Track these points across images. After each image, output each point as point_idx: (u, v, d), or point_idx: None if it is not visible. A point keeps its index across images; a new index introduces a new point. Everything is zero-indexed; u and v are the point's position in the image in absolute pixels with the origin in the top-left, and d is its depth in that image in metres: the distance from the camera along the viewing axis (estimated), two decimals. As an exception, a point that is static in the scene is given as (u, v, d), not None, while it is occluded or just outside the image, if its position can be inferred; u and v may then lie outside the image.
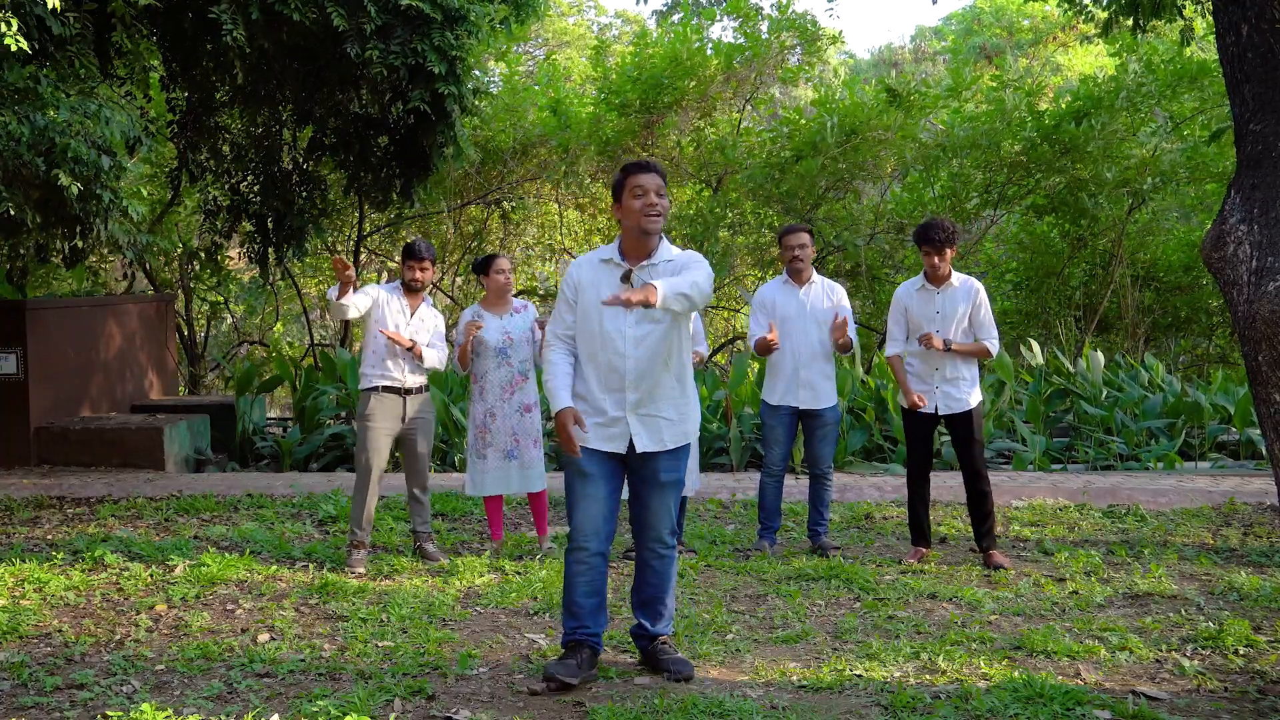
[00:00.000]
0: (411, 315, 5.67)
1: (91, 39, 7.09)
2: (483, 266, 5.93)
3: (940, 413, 5.54)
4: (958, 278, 5.54)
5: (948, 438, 8.64)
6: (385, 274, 16.10)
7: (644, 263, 3.82)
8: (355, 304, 5.48)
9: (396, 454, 5.87)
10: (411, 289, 5.70)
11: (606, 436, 3.85)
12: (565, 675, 3.74)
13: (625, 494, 4.09)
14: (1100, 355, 10.50)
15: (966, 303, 5.51)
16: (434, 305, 5.89)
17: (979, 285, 5.57)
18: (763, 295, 5.99)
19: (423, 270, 5.68)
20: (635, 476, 3.93)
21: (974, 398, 5.55)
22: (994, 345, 5.54)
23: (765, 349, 5.79)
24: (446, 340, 5.92)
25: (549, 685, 3.74)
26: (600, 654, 3.99)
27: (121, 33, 7.17)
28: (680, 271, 3.78)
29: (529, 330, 5.80)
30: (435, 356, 5.70)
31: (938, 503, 6.92)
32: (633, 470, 3.92)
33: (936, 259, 5.45)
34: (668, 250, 3.87)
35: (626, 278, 3.78)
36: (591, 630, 3.90)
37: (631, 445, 3.84)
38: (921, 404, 5.53)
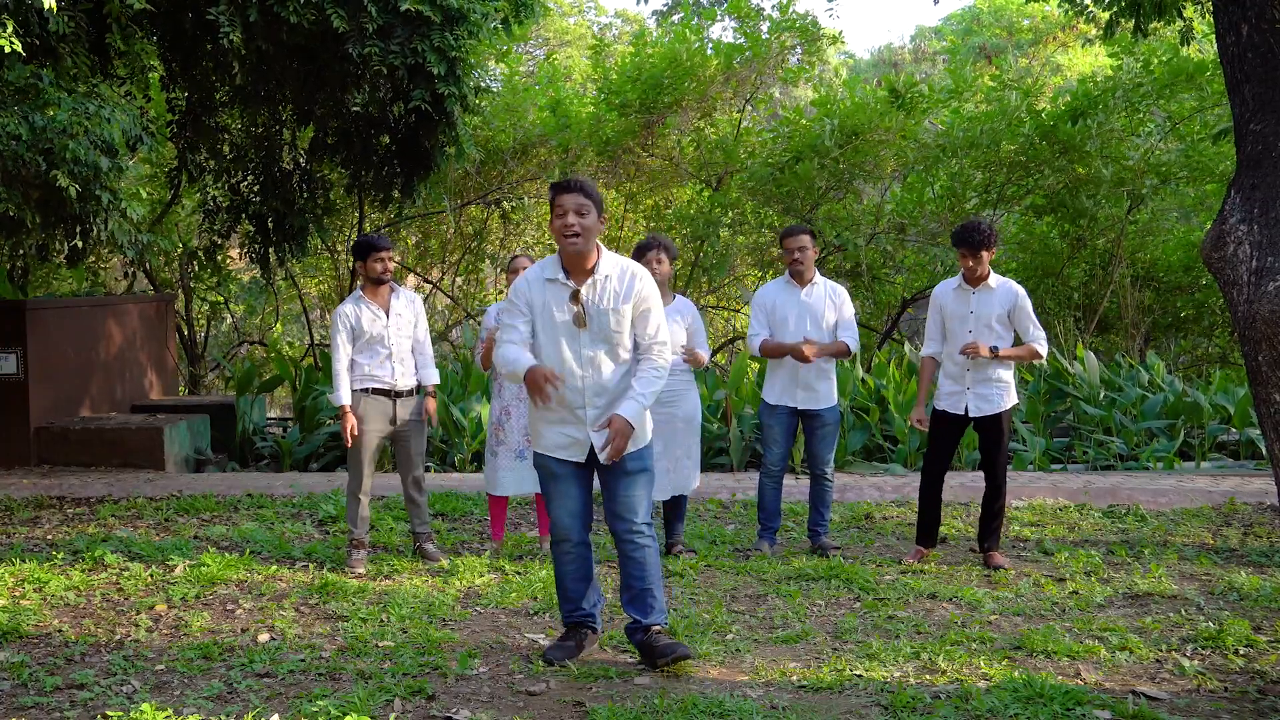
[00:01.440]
0: (388, 315, 5.58)
1: (86, 38, 7.09)
2: (506, 266, 5.96)
3: (970, 414, 5.51)
4: (995, 279, 5.50)
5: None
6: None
7: (588, 280, 3.92)
8: (344, 365, 5.52)
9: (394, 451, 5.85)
10: (380, 282, 5.57)
11: (568, 448, 3.98)
12: (562, 657, 4.00)
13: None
14: (1093, 355, 10.50)
15: (1004, 306, 5.45)
16: (406, 291, 5.78)
17: (1020, 289, 5.51)
18: (763, 296, 5.98)
19: (389, 260, 5.62)
20: (603, 472, 4.01)
21: (1007, 401, 5.50)
22: (1042, 347, 5.47)
23: (778, 352, 5.77)
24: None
25: (547, 665, 3.98)
26: (599, 631, 4.17)
27: (117, 33, 7.16)
28: (627, 295, 3.90)
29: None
30: (432, 374, 5.72)
31: (938, 503, 6.92)
32: (599, 467, 4.01)
33: (971, 261, 5.43)
34: (607, 262, 3.95)
35: (575, 298, 3.91)
36: (587, 611, 4.11)
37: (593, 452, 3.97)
38: (922, 426, 5.55)
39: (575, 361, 3.92)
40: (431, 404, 5.72)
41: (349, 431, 5.47)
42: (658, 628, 4.01)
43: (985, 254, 5.43)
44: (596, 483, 4.12)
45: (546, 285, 3.96)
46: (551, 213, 3.94)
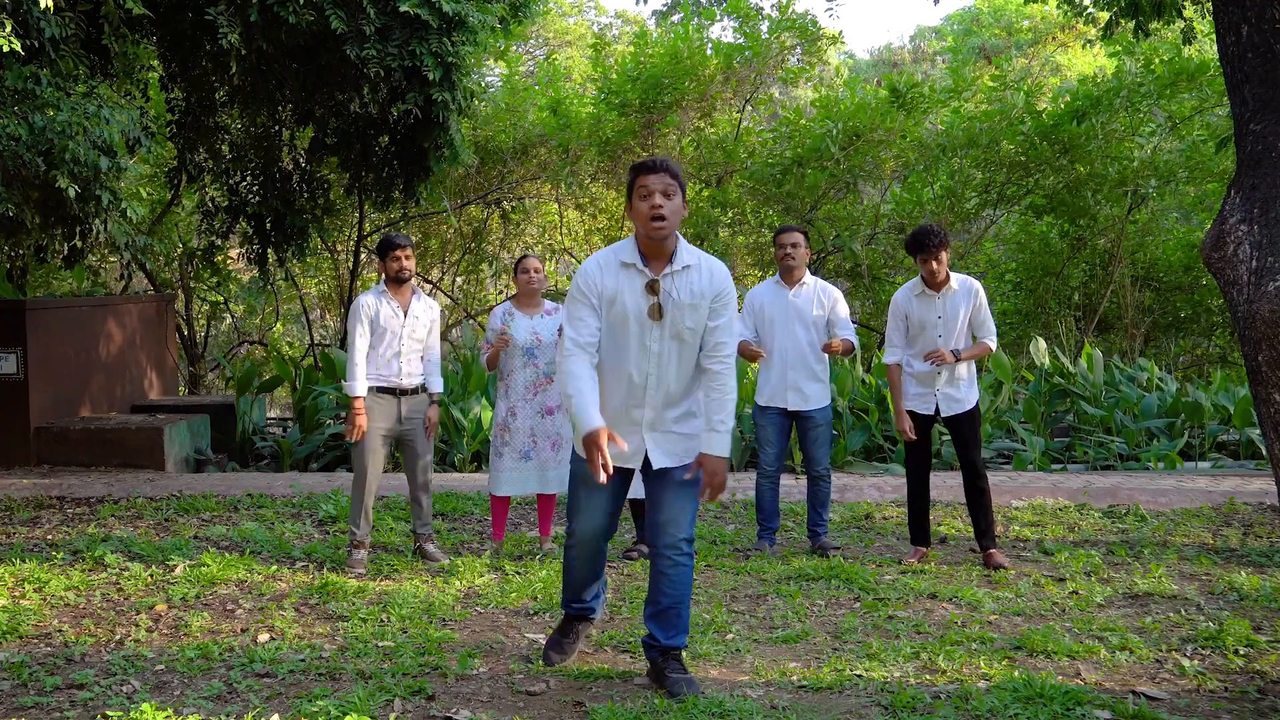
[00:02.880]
0: (405, 315, 5.60)
1: (82, 38, 7.08)
2: (515, 266, 5.96)
3: (942, 414, 5.54)
4: (956, 279, 5.52)
5: (945, 437, 8.66)
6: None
7: (667, 269, 3.65)
8: (362, 355, 5.52)
9: (397, 454, 5.84)
10: (400, 280, 5.61)
11: (621, 453, 3.70)
12: (559, 658, 3.98)
13: (638, 493, 4.08)
14: (1100, 354, 10.50)
15: (968, 304, 5.50)
16: (428, 297, 5.82)
17: (978, 285, 5.57)
18: (752, 297, 6.00)
19: (408, 259, 5.61)
20: (650, 480, 3.81)
21: (973, 397, 5.56)
22: (993, 342, 5.58)
23: (750, 356, 5.80)
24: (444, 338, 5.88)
25: (546, 665, 3.96)
26: (595, 620, 4.14)
27: (110, 34, 7.15)
28: (708, 292, 3.65)
29: (558, 333, 5.75)
30: (437, 382, 5.74)
31: (938, 503, 6.92)
32: (647, 474, 3.81)
33: (934, 264, 5.44)
34: (686, 252, 3.69)
35: (653, 288, 3.63)
36: (587, 604, 4.04)
37: (646, 458, 3.76)
38: (911, 437, 5.56)
39: (642, 356, 3.66)
40: (435, 412, 5.72)
41: (359, 425, 5.45)
42: (675, 653, 3.78)
43: (944, 254, 5.45)
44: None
45: (622, 270, 3.65)
46: (632, 195, 3.63)
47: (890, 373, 5.72)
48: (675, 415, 3.75)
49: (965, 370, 5.55)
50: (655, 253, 3.66)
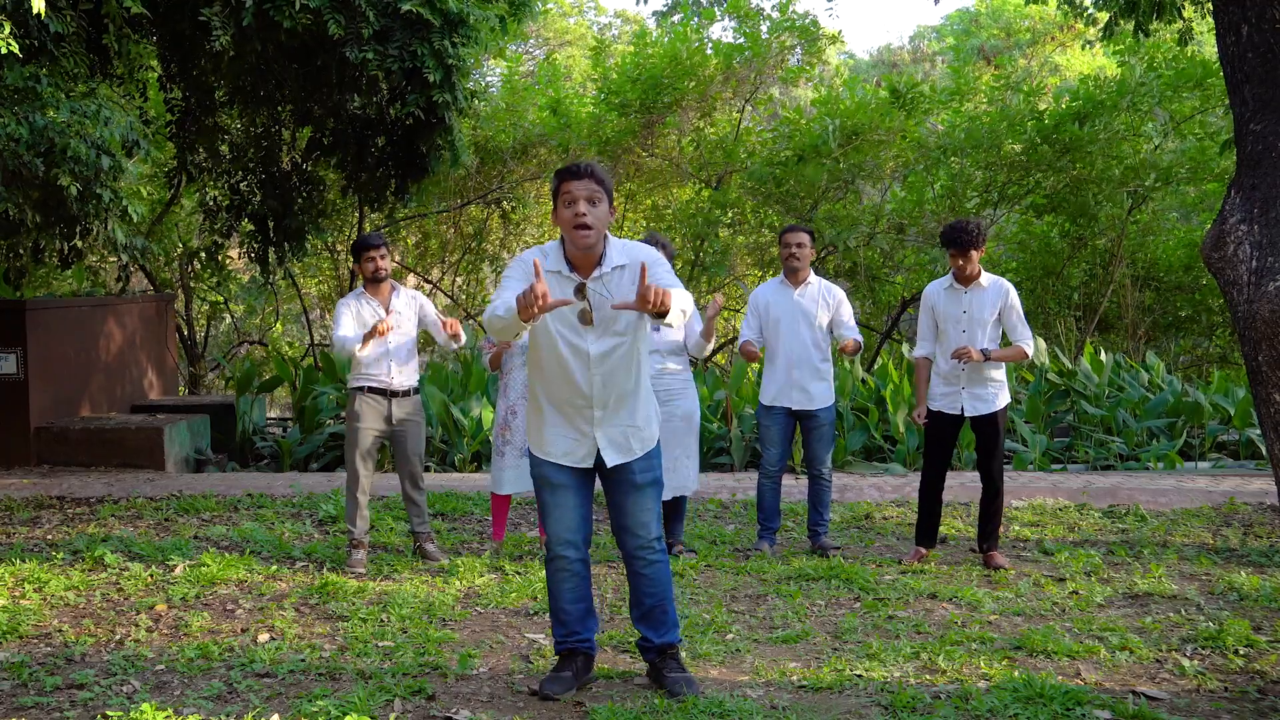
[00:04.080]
0: (387, 313, 5.56)
1: (84, 38, 7.08)
2: None
3: (966, 414, 5.51)
4: (987, 278, 5.49)
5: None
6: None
7: (596, 272, 3.55)
8: (351, 336, 5.50)
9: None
10: (377, 280, 5.58)
11: (573, 454, 3.66)
12: (560, 691, 3.67)
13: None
14: (1109, 355, 10.51)
15: (995, 303, 5.46)
16: (407, 289, 5.77)
17: (1010, 286, 5.51)
18: (757, 296, 6.00)
19: (381, 258, 5.56)
20: (609, 484, 3.72)
21: (1001, 399, 5.51)
22: (1029, 346, 5.50)
23: (749, 356, 5.84)
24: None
25: (542, 700, 3.66)
26: (595, 656, 3.89)
27: (112, 34, 7.15)
28: (636, 278, 3.47)
29: None
30: (451, 342, 5.65)
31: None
32: (606, 478, 3.72)
33: (962, 260, 5.42)
34: (616, 253, 3.58)
35: (580, 292, 3.53)
36: (582, 636, 3.79)
37: (600, 458, 3.66)
38: (921, 423, 5.54)
39: (583, 361, 3.56)
40: (454, 323, 5.58)
41: (382, 328, 5.33)
42: (672, 650, 3.76)
43: (975, 253, 5.42)
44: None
45: (548, 277, 3.51)
46: (557, 201, 3.52)
47: (917, 366, 5.71)
48: (624, 410, 3.63)
49: (997, 372, 5.50)
50: (582, 259, 3.56)
